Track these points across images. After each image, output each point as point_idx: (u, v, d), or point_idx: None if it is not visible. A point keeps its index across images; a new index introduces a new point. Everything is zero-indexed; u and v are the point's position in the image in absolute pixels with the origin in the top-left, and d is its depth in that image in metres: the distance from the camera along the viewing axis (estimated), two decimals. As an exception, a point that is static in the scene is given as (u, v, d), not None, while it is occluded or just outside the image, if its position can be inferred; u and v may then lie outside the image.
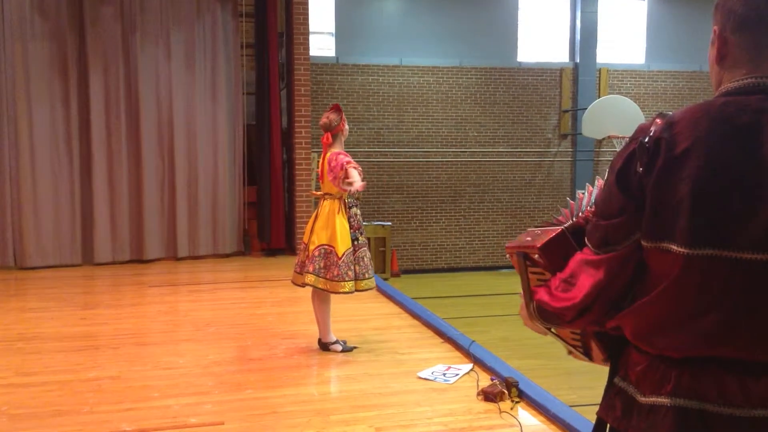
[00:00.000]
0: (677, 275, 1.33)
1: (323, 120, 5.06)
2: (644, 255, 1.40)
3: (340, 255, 4.87)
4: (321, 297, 5.03)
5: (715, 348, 1.34)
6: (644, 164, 1.35)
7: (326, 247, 4.91)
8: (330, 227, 4.93)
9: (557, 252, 1.54)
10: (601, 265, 1.43)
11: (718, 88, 1.44)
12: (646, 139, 1.36)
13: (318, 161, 5.26)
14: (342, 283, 4.88)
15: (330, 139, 5.01)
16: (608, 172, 1.46)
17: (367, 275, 5.02)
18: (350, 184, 4.70)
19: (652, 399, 1.39)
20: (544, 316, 1.55)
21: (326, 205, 5.00)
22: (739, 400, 1.32)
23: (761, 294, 1.31)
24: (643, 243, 1.38)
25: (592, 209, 1.55)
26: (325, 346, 5.14)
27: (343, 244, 4.90)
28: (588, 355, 1.66)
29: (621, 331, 1.49)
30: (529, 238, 1.62)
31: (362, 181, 4.72)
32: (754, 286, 1.30)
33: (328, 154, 4.98)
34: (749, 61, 1.37)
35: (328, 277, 4.89)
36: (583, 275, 1.45)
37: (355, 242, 4.98)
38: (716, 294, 1.32)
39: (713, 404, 1.33)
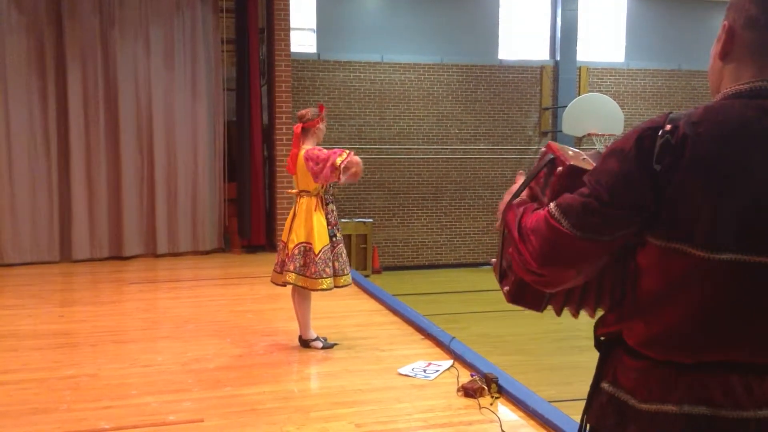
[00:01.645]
0: (695, 279, 1.32)
1: (302, 111, 5.10)
2: (648, 254, 1.37)
3: (317, 252, 4.87)
4: (301, 294, 5.02)
5: (729, 352, 1.33)
6: (667, 162, 1.31)
7: (305, 244, 4.91)
8: (308, 225, 4.92)
9: (571, 182, 1.44)
10: (575, 250, 1.38)
11: (718, 85, 1.43)
12: (671, 136, 1.31)
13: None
14: (320, 280, 4.87)
15: (300, 130, 5.01)
16: (615, 158, 1.37)
17: (345, 271, 5.04)
18: (355, 173, 4.78)
19: (656, 406, 1.36)
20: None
21: (303, 203, 4.98)
22: (745, 402, 1.32)
23: None
24: (655, 241, 1.35)
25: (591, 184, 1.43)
26: (305, 343, 5.13)
27: (320, 241, 4.89)
28: (519, 296, 1.59)
29: (614, 336, 1.46)
30: (570, 153, 1.53)
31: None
32: None
33: (303, 152, 4.96)
34: (753, 63, 1.37)
35: (307, 274, 4.89)
36: (551, 246, 1.39)
37: (333, 239, 4.98)
38: (735, 298, 1.31)
39: (721, 408, 1.32)
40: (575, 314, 1.65)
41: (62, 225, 9.17)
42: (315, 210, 4.93)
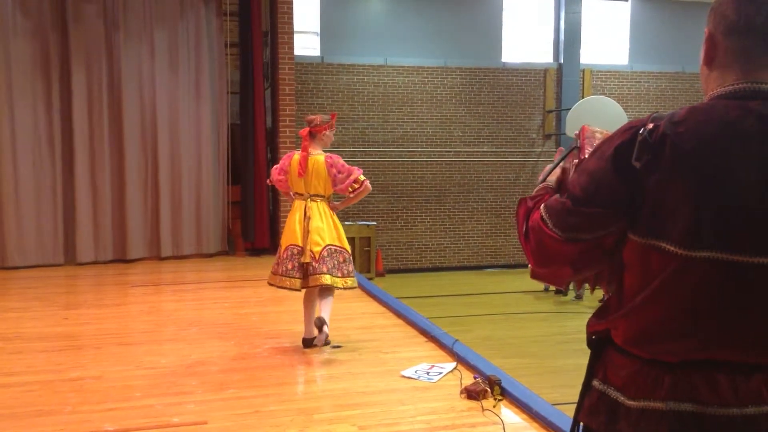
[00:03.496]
0: (674, 277, 1.33)
1: (311, 116, 5.18)
2: (630, 250, 1.38)
3: (349, 252, 5.09)
4: (329, 294, 5.08)
5: (713, 351, 1.34)
6: (646, 160, 1.33)
7: (333, 246, 5.02)
8: (332, 227, 5.05)
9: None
10: (562, 252, 1.43)
11: (707, 90, 1.44)
12: (649, 134, 1.33)
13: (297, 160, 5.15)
14: (353, 279, 5.10)
15: (307, 133, 5.06)
16: (596, 158, 1.41)
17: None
18: (357, 197, 5.04)
19: (643, 403, 1.37)
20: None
21: (316, 206, 5.03)
22: (731, 400, 1.33)
23: (757, 296, 1.31)
24: (635, 237, 1.36)
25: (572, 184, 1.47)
26: (308, 344, 5.12)
27: (346, 241, 5.12)
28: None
29: (604, 335, 1.48)
30: (597, 142, 1.56)
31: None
32: (752, 288, 1.31)
33: (321, 157, 5.00)
34: (738, 67, 1.38)
35: (340, 275, 5.02)
36: (544, 249, 1.46)
37: None
38: (714, 297, 1.32)
39: (708, 406, 1.33)
40: (592, 290, 1.69)
41: (67, 228, 9.20)
42: (331, 214, 5.09)
